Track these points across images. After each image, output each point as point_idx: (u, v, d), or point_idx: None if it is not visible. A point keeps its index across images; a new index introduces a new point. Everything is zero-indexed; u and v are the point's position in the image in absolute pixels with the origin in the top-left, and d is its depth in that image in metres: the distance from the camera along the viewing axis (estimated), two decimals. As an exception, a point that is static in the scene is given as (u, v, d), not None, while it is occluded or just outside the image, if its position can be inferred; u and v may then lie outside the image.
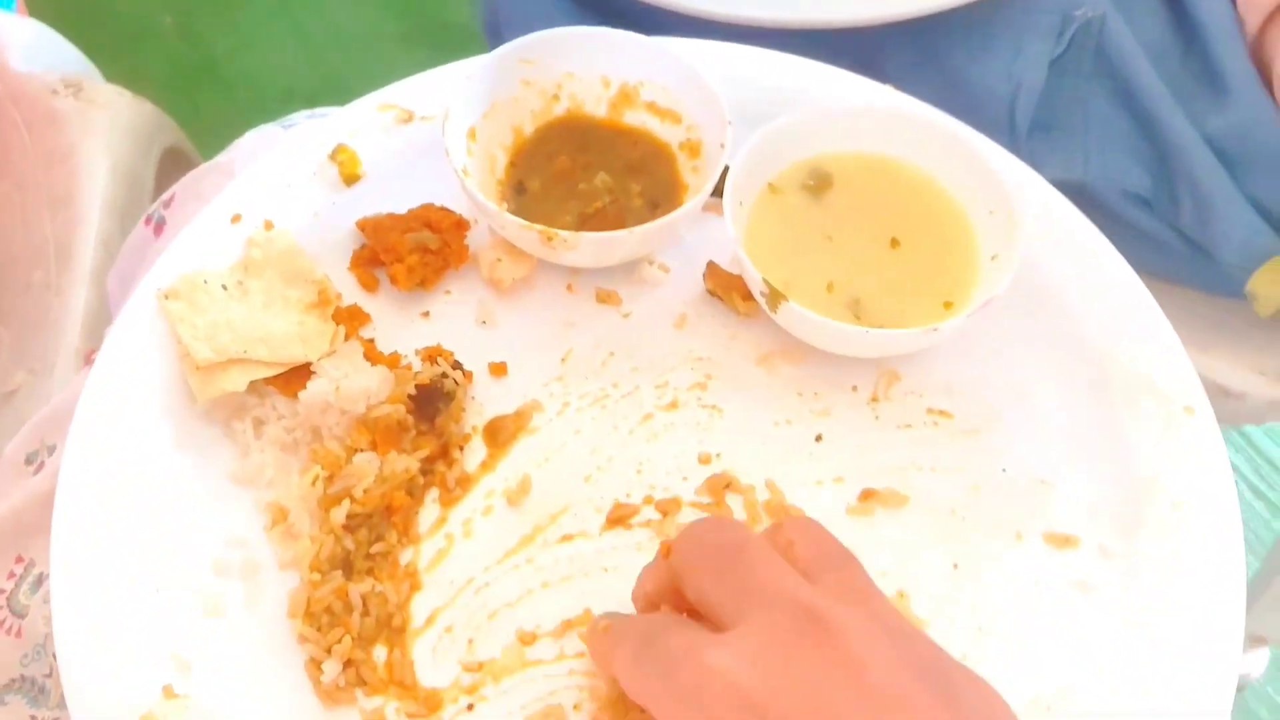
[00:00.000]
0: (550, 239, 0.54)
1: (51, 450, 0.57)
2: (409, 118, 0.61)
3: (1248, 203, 0.70)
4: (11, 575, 0.53)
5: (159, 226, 0.65)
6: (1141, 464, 0.52)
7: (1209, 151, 0.70)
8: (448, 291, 0.58)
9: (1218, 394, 0.79)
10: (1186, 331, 0.79)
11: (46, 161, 0.97)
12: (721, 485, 0.52)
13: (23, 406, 0.88)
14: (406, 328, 0.57)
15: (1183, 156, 0.71)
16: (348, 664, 0.47)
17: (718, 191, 0.56)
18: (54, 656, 0.50)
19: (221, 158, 0.66)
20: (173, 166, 1.03)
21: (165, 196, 0.67)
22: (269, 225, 0.57)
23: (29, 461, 0.57)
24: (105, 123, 0.92)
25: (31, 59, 1.02)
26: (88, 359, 0.61)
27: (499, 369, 0.56)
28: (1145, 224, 0.74)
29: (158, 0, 1.67)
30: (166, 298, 0.54)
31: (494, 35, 0.90)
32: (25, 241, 0.95)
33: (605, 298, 0.58)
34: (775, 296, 0.52)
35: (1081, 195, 0.73)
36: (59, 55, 1.09)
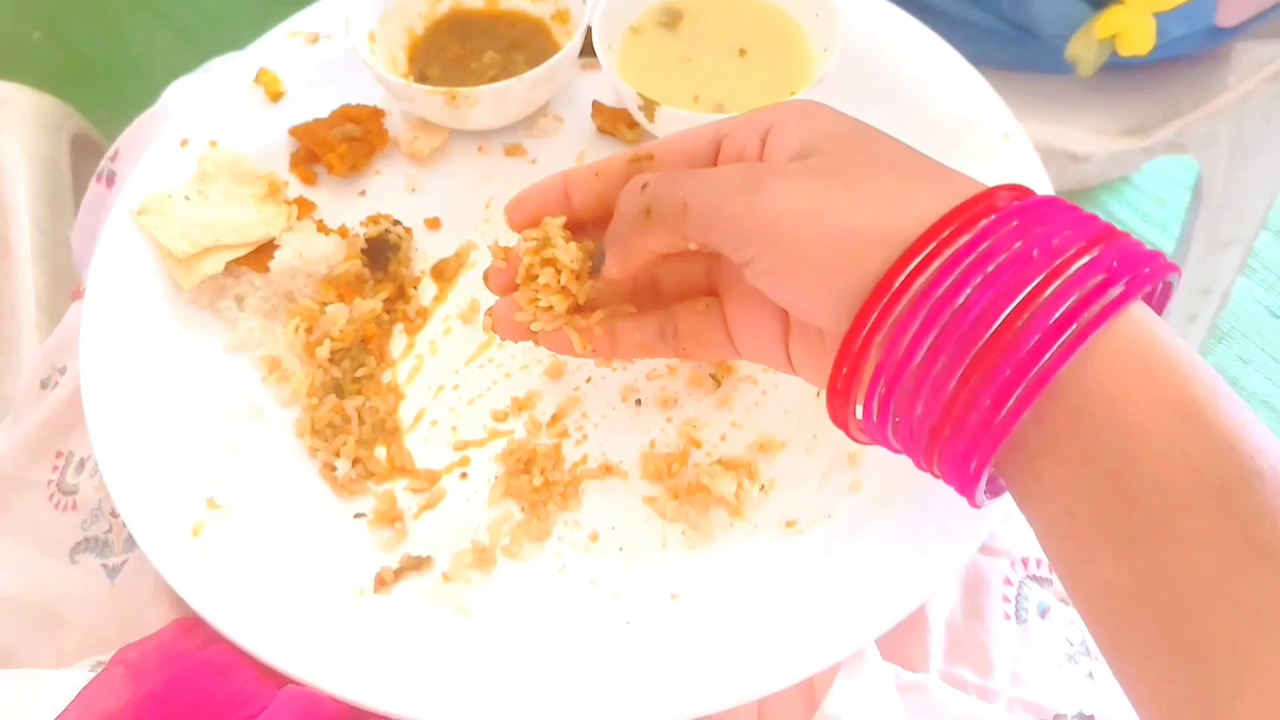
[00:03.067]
0: (454, 98, 0.63)
1: (62, 371, 0.65)
2: (315, 39, 0.70)
3: None
4: (55, 468, 0.61)
5: (110, 179, 0.73)
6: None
7: None
8: (377, 172, 0.67)
9: (1067, 159, 0.91)
10: (1031, 109, 0.90)
11: None
12: (636, 270, 0.62)
13: (-3, 382, 0.96)
14: (348, 207, 0.66)
15: None
16: (355, 462, 0.57)
17: (591, 51, 0.66)
18: (111, 514, 0.58)
19: (154, 109, 0.74)
20: (83, 151, 1.10)
21: (110, 152, 0.74)
22: (213, 144, 0.66)
23: (44, 385, 0.65)
24: (13, 117, 1.00)
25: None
26: (75, 294, 0.69)
27: (433, 223, 0.65)
28: (976, 17, 0.84)
29: (23, 18, 1.73)
30: (139, 214, 0.63)
31: None
32: None
33: (513, 151, 0.68)
34: (649, 106, 0.62)
35: (923, 9, 0.84)
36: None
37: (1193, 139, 0.95)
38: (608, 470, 0.56)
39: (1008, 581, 0.54)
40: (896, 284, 0.36)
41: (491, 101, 0.64)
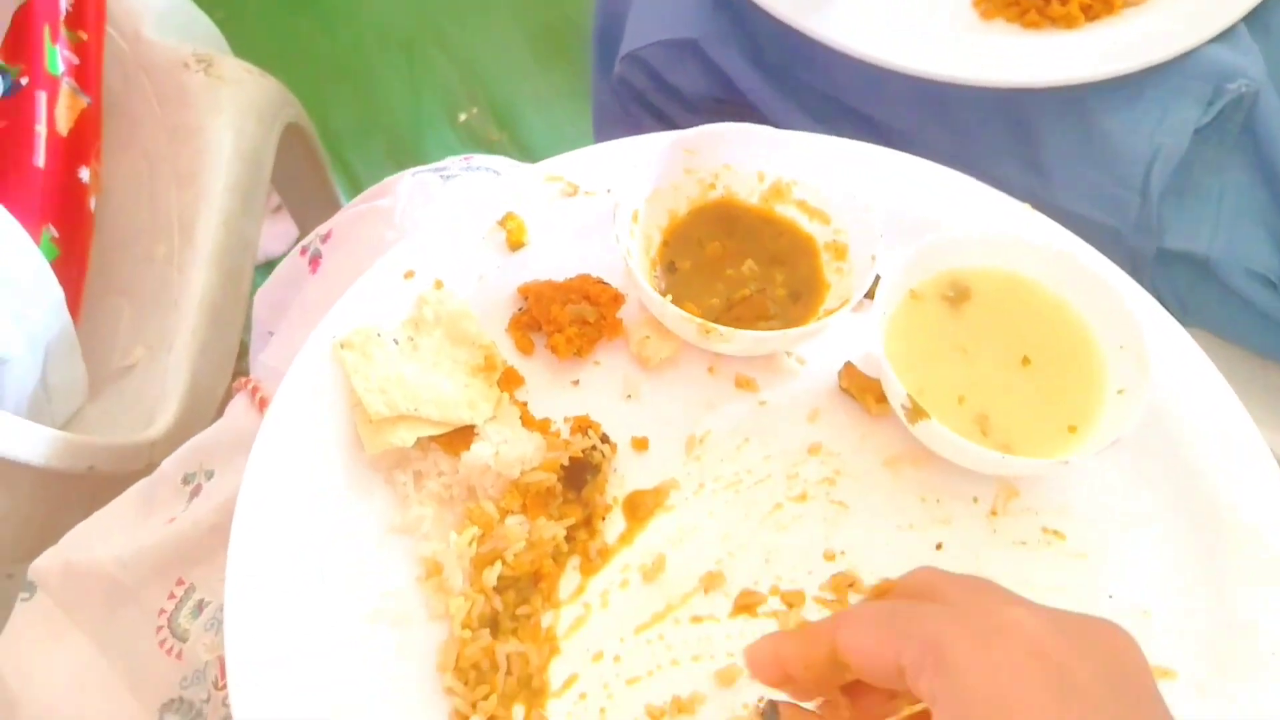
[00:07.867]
0: (708, 332, 0.57)
1: (209, 475, 0.60)
2: (574, 191, 0.64)
3: None
4: (172, 596, 0.56)
5: (314, 260, 0.69)
6: (1241, 608, 0.55)
7: None
8: (597, 362, 0.61)
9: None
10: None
11: (173, 136, 0.99)
12: (845, 584, 0.55)
13: (140, 382, 0.91)
14: (558, 394, 0.60)
15: None
16: (490, 719, 0.51)
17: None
18: (213, 684, 0.54)
19: (380, 201, 0.68)
20: (291, 141, 1.06)
21: (322, 230, 0.70)
22: (439, 284, 0.61)
23: (186, 481, 0.61)
24: (232, 101, 0.95)
25: (164, 26, 1.03)
26: (239, 388, 0.64)
27: (641, 443, 0.59)
28: (1263, 303, 0.74)
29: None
30: (342, 347, 0.57)
31: (603, 41, 0.93)
32: (150, 215, 0.98)
33: (744, 383, 0.61)
34: (917, 412, 0.55)
35: (1204, 269, 0.75)
36: (188, 21, 1.11)
37: None
38: (757, 822, 0.50)
39: None
40: None
41: (744, 343, 0.58)
